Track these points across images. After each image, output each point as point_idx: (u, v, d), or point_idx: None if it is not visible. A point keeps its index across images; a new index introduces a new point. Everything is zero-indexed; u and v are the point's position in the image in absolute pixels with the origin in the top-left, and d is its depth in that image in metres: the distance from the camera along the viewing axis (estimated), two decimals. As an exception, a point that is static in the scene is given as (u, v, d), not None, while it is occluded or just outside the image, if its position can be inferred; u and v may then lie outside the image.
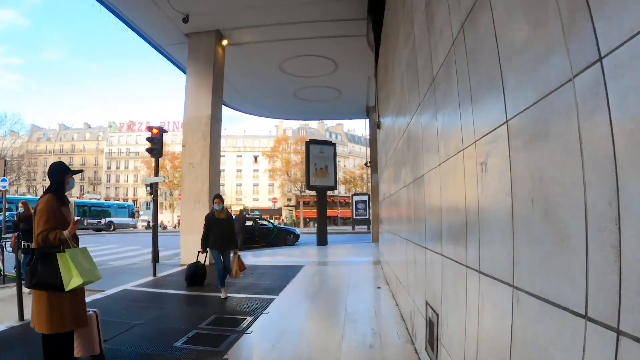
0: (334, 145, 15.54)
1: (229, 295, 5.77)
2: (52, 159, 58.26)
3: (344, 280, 6.95)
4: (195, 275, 6.65)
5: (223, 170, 65.98)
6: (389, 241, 6.89)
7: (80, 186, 57.19)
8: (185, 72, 10.19)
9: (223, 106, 17.31)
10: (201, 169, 9.09)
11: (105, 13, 9.88)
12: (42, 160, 55.78)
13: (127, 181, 60.28)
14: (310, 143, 14.93)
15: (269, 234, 16.67)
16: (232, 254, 5.98)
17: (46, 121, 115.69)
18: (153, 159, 10.16)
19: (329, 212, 43.19)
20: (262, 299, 5.56)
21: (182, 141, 9.48)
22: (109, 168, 59.88)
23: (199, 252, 6.27)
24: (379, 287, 6.22)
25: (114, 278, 7.88)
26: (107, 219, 32.70)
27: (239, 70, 12.43)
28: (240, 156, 66.57)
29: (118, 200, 51.47)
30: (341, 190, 57.51)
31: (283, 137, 61.43)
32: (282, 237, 16.87)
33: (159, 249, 11.40)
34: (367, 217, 29.40)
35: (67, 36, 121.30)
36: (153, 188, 10.31)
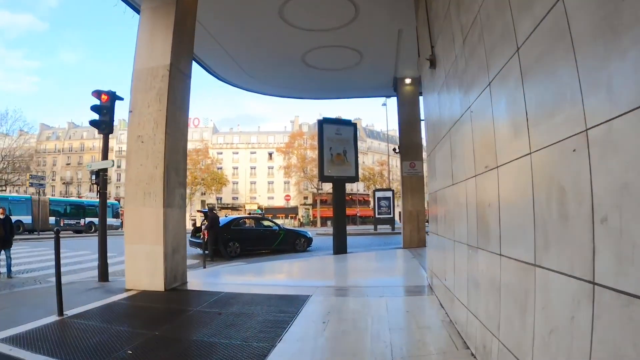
0: (354, 125, 12.17)
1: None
2: (61, 159, 56.70)
3: (381, 340, 3.65)
4: None
5: (236, 168, 63.60)
6: (461, 257, 3.60)
7: (90, 185, 55.52)
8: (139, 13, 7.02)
9: (222, 83, 14.11)
10: (153, 145, 5.94)
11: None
12: (51, 160, 54.12)
13: (138, 180, 58.44)
14: (324, 122, 11.63)
15: (273, 237, 13.50)
16: None
17: (56, 120, 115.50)
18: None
19: (347, 211, 39.83)
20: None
21: (130, 105, 6.35)
22: (118, 167, 57.94)
23: None
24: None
25: (12, 314, 4.91)
26: (88, 220, 28.82)
27: (226, 22, 9.28)
28: (254, 153, 64.01)
29: (128, 199, 49.27)
30: (359, 187, 54.28)
31: (298, 132, 58.57)
32: (290, 242, 13.68)
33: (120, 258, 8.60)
34: (391, 215, 26.15)
35: (83, 38, 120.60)
36: (100, 176, 7.31)
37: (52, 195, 47.89)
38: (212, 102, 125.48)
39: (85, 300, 5.50)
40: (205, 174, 52.98)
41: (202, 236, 11.01)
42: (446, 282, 4.58)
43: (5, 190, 35.28)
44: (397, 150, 13.27)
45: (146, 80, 6.22)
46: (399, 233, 21.85)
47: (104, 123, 7.33)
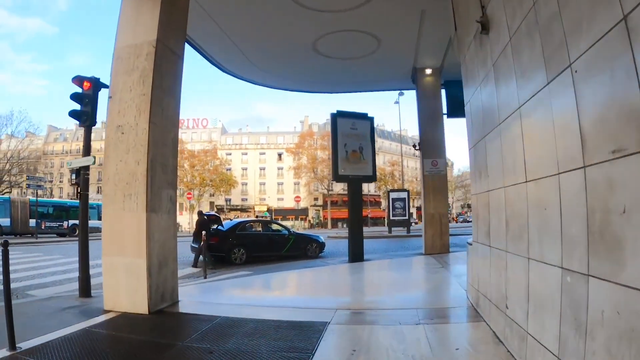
0: (371, 118, 11.02)
1: None
2: (69, 160, 56.50)
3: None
4: None
5: (245, 169, 62.74)
6: (544, 283, 2.48)
7: (98, 187, 55.12)
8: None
9: (229, 85, 12.86)
10: (135, 136, 4.91)
11: None
12: (59, 161, 53.85)
13: (146, 181, 57.98)
14: (338, 116, 10.51)
15: (283, 242, 12.45)
16: None
17: (65, 122, 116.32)
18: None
19: (359, 212, 38.55)
20: None
21: (110, 91, 5.33)
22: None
23: None
24: None
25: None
26: (71, 222, 26.67)
27: (228, 2, 8.26)
28: (264, 154, 63.20)
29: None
30: (370, 187, 53.13)
31: (308, 132, 57.66)
32: (301, 247, 12.63)
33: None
34: (406, 217, 25.16)
35: (91, 41, 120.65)
36: (81, 175, 6.32)
37: (60, 197, 47.55)
38: (220, 103, 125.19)
39: (52, 326, 4.47)
40: (213, 175, 52.25)
41: (201, 242, 10.02)
42: (509, 312, 3.45)
43: (10, 192, 34.75)
44: (418, 147, 12.14)
45: (129, 60, 5.20)
46: (416, 236, 20.71)
47: (85, 114, 6.33)
